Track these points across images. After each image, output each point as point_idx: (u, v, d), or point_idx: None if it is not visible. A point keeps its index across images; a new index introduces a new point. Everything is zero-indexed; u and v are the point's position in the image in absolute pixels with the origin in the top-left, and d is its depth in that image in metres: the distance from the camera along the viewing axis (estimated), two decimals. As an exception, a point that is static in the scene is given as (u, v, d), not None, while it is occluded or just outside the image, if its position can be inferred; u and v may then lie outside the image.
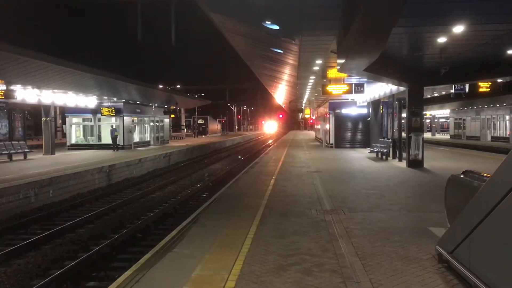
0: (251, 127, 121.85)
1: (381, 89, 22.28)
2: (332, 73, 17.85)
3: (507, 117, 37.07)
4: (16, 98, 20.77)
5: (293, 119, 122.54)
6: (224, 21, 14.53)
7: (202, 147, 36.90)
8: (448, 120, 54.67)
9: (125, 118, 30.20)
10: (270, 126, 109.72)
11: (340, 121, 29.96)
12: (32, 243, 9.50)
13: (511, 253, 3.75)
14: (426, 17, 10.15)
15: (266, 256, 6.07)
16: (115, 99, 29.33)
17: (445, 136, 53.09)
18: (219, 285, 5.02)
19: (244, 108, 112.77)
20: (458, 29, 10.63)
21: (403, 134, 19.17)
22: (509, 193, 3.81)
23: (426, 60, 15.13)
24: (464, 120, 46.34)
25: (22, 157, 21.87)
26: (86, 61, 24.71)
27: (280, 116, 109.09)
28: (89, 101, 28.24)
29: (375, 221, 8.08)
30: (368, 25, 8.62)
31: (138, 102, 33.04)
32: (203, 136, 61.17)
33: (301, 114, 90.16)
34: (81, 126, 31.49)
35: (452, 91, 23.42)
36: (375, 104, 26.89)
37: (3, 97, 20.15)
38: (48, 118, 24.72)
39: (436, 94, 35.13)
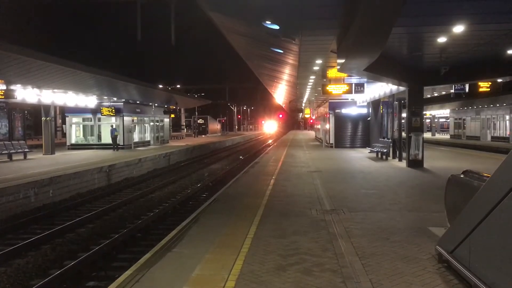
0: (251, 127, 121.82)
1: (381, 89, 22.28)
2: (332, 73, 17.85)
3: (507, 117, 37.07)
4: (16, 98, 20.78)
5: (293, 119, 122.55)
6: (224, 20, 14.52)
7: (202, 147, 36.89)
8: (448, 120, 54.67)
9: (125, 118, 30.19)
10: (270, 126, 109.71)
11: (340, 121, 29.96)
12: (32, 243, 9.50)
13: (511, 253, 3.75)
14: (426, 16, 10.15)
15: (266, 256, 6.07)
16: (115, 98, 29.33)
17: (445, 136, 53.09)
18: (219, 285, 5.03)
19: (244, 108, 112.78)
20: (458, 29, 10.62)
21: (403, 134, 19.17)
22: (509, 193, 3.81)
23: (426, 60, 15.13)
24: (464, 120, 46.33)
25: (22, 157, 21.86)
26: (85, 61, 24.64)
27: (280, 116, 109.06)
28: (89, 100, 28.24)
29: (375, 221, 8.08)
30: (368, 24, 8.63)
31: (138, 102, 33.04)
32: (203, 136, 61.17)
33: (301, 114, 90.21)
34: (81, 126, 31.48)
35: (452, 91, 23.41)
36: (375, 104, 26.89)
37: (3, 96, 20.16)
38: (48, 118, 24.72)
39: (436, 94, 35.13)
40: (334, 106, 30.23)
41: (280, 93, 47.39)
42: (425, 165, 17.02)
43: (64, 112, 32.56)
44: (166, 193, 16.38)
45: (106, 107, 28.93)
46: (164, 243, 6.95)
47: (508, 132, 36.89)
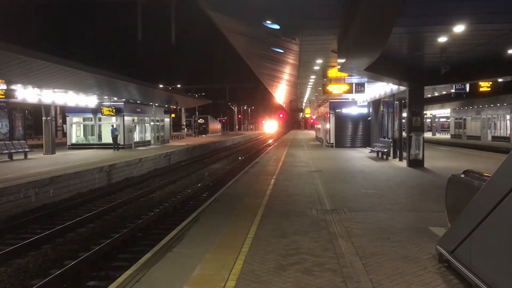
0: (251, 126, 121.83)
1: (382, 88, 22.26)
2: (333, 72, 17.83)
3: (508, 117, 37.04)
4: (17, 98, 20.79)
5: (293, 118, 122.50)
6: (224, 20, 14.52)
7: (203, 146, 36.90)
8: (449, 120, 54.65)
9: (125, 118, 30.20)
10: (270, 126, 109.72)
11: (341, 120, 29.94)
12: (33, 242, 9.50)
13: (512, 253, 3.75)
14: (426, 16, 10.14)
15: (266, 255, 6.07)
16: (115, 98, 29.33)
17: (446, 136, 53.06)
18: (219, 285, 5.02)
19: (245, 108, 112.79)
20: (459, 28, 10.61)
21: (404, 134, 19.16)
22: (510, 193, 3.80)
23: (426, 59, 15.12)
24: (464, 119, 46.31)
25: (22, 156, 21.88)
26: (86, 61, 24.69)
27: (281, 115, 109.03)
28: (90, 100, 28.25)
29: (375, 220, 8.07)
30: (368, 24, 8.63)
31: (138, 102, 33.05)
32: (204, 135, 61.18)
33: (301, 113, 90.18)
34: (82, 125, 31.50)
35: (453, 90, 23.39)
36: (375, 103, 26.88)
37: (4, 96, 20.17)
38: (48, 118, 24.74)
39: (436, 94, 35.10)
40: (335, 105, 30.21)
41: (280, 93, 47.39)
42: (426, 165, 17.01)
43: (65, 111, 32.56)
44: (166, 193, 16.39)
45: (106, 106, 28.93)
46: (164, 243, 6.95)
47: (508, 132, 36.86)
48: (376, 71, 14.94)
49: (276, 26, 11.95)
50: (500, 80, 21.45)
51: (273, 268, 5.57)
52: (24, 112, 35.14)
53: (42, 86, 21.57)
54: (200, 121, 66.70)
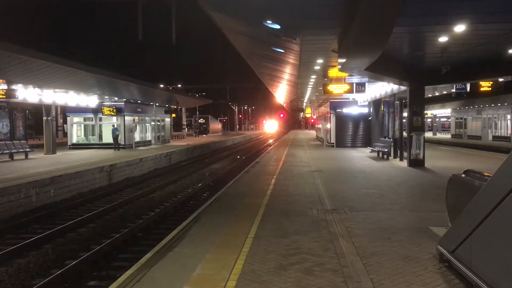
0: (252, 126, 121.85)
1: (382, 88, 22.26)
2: (333, 72, 17.83)
3: (509, 117, 37.00)
4: (17, 98, 20.81)
5: (294, 118, 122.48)
6: (225, 20, 14.52)
7: (203, 146, 36.91)
8: (449, 120, 54.60)
9: (126, 118, 30.21)
10: (271, 126, 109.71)
11: (341, 120, 29.93)
12: (33, 242, 9.50)
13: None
14: (426, 16, 10.13)
15: (267, 255, 6.07)
16: (116, 98, 29.35)
17: (446, 136, 53.02)
18: (220, 285, 5.02)
19: (245, 108, 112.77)
20: (459, 28, 10.60)
21: (404, 134, 19.16)
22: (511, 193, 3.80)
23: (427, 59, 15.11)
24: (465, 119, 46.28)
25: (23, 156, 21.89)
26: (86, 61, 24.71)
27: (281, 115, 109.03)
28: (90, 100, 28.27)
29: (376, 220, 8.07)
30: (368, 24, 8.62)
31: (139, 102, 33.06)
32: (204, 135, 61.20)
33: (302, 113, 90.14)
34: (82, 125, 31.52)
35: (453, 90, 23.36)
36: (376, 103, 26.87)
37: (5, 96, 20.19)
38: (49, 118, 24.76)
39: (437, 94, 35.08)
40: (335, 105, 30.20)
41: (281, 93, 47.39)
42: (426, 164, 17.00)
43: (65, 111, 32.61)
44: (167, 193, 16.39)
45: (107, 106, 28.94)
46: (165, 242, 6.96)
47: (509, 132, 36.83)
48: (377, 71, 14.94)
49: (277, 26, 11.95)
50: (500, 79, 21.41)
51: (274, 268, 5.57)
52: (24, 112, 35.17)
53: (43, 86, 21.59)
54: (201, 121, 66.70)
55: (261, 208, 9.35)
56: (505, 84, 22.99)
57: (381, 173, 15.35)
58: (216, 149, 40.64)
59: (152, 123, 36.15)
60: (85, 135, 31.62)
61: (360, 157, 22.30)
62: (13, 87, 20.36)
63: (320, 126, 44.93)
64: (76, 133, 31.13)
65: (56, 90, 23.24)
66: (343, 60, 13.09)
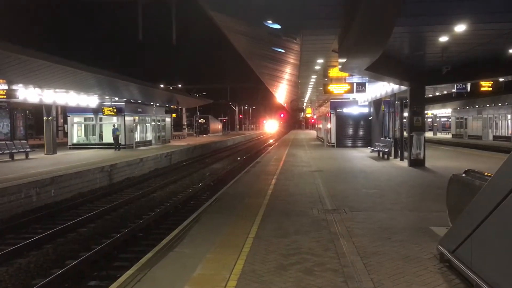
0: (252, 126, 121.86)
1: (383, 88, 22.25)
2: (334, 72, 17.82)
3: (509, 116, 36.98)
4: (18, 98, 20.81)
5: (294, 118, 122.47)
6: (225, 20, 14.52)
7: (203, 146, 36.91)
8: (450, 119, 54.56)
9: (126, 118, 30.22)
10: (271, 126, 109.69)
11: (342, 120, 29.93)
12: (34, 242, 9.51)
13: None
14: (426, 16, 10.13)
15: (267, 255, 6.07)
16: (116, 98, 29.35)
17: (447, 136, 53.00)
18: (220, 285, 5.02)
19: (246, 108, 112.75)
20: (459, 28, 10.60)
21: (405, 134, 19.15)
22: (511, 193, 3.80)
23: (427, 59, 15.10)
24: (465, 119, 46.26)
25: (23, 156, 21.90)
26: (86, 61, 24.74)
27: (282, 115, 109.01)
28: (91, 100, 28.28)
29: (376, 220, 8.07)
30: (368, 24, 8.62)
31: (139, 102, 33.06)
32: (205, 135, 61.21)
33: (302, 113, 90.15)
34: (83, 125, 31.53)
35: (454, 90, 23.34)
36: (376, 103, 26.86)
37: (5, 96, 20.19)
38: (49, 118, 24.77)
39: (437, 93, 35.06)
40: (336, 105, 30.20)
41: (281, 93, 47.39)
42: (427, 164, 17.00)
43: (66, 111, 32.61)
44: (167, 193, 16.40)
45: (107, 106, 28.95)
46: (165, 242, 6.96)
47: (510, 132, 36.81)
48: (377, 71, 14.93)
49: (277, 26, 11.95)
50: (501, 79, 21.39)
51: (274, 268, 5.57)
52: (25, 112, 35.12)
53: (43, 86, 21.59)
54: (201, 121, 66.71)
55: (261, 208, 9.35)
56: (505, 84, 22.96)
57: (382, 173, 15.35)
58: (217, 149, 40.64)
59: (153, 123, 36.15)
60: (86, 135, 31.63)
61: (361, 157, 22.30)
62: (14, 87, 20.36)
63: (320, 126, 44.92)
64: (76, 133, 31.14)
65: (57, 90, 23.25)
66: (344, 60, 13.08)
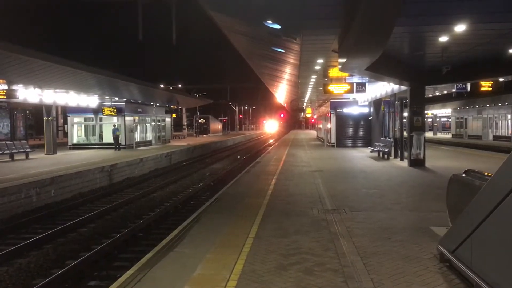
0: (252, 126, 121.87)
1: (383, 88, 22.26)
2: (334, 72, 17.82)
3: (509, 116, 36.98)
4: (18, 98, 20.82)
5: (294, 118, 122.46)
6: (225, 20, 14.52)
7: (204, 146, 36.91)
8: (450, 119, 54.57)
9: (126, 118, 30.22)
10: (271, 126, 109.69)
11: (342, 120, 29.93)
12: (34, 242, 9.51)
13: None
14: (426, 16, 10.13)
15: (267, 255, 6.07)
16: (116, 98, 29.36)
17: (447, 135, 53.01)
18: (220, 285, 5.03)
19: (246, 108, 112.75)
20: (459, 28, 10.60)
21: (405, 134, 19.15)
22: (511, 193, 3.80)
23: (427, 59, 15.10)
24: (465, 119, 46.26)
25: (23, 156, 21.90)
26: (86, 61, 24.74)
27: (282, 115, 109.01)
28: (91, 100, 28.28)
29: (376, 220, 8.07)
30: (368, 24, 8.62)
31: (139, 102, 33.07)
32: (205, 135, 61.20)
33: (302, 113, 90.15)
34: (83, 125, 31.53)
35: (454, 90, 23.35)
36: (376, 103, 26.86)
37: (5, 96, 20.20)
38: (49, 118, 24.77)
39: (437, 93, 35.07)
40: (336, 105, 30.20)
41: (281, 93, 47.39)
42: (427, 164, 17.00)
43: (66, 112, 32.61)
44: (167, 193, 16.40)
45: (107, 106, 28.96)
46: (165, 242, 6.96)
47: (510, 131, 36.81)
48: (377, 71, 14.93)
49: (277, 26, 11.95)
50: (501, 79, 21.40)
51: (274, 268, 5.57)
52: (25, 112, 35.13)
53: (43, 86, 21.60)
54: (201, 121, 66.70)
55: (261, 208, 9.35)
56: (505, 84, 22.97)
57: (382, 173, 15.35)
58: (217, 149, 40.65)
59: (153, 123, 36.16)
60: (86, 135, 31.64)
61: (361, 157, 22.30)
62: (14, 87, 20.37)
63: (320, 126, 44.92)
64: (76, 133, 31.15)
65: (57, 90, 23.25)
66: (344, 60, 13.08)
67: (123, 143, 29.27)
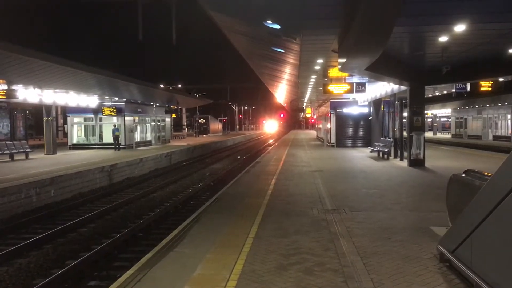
0: (252, 126, 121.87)
1: (383, 88, 22.26)
2: (333, 72, 17.83)
3: (509, 116, 36.99)
4: (18, 98, 20.81)
5: (294, 118, 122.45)
6: (225, 20, 14.52)
7: (203, 146, 36.91)
8: (450, 119, 54.58)
9: (126, 118, 30.22)
10: (271, 126, 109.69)
11: (342, 120, 29.93)
12: (34, 242, 9.51)
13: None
14: (426, 16, 10.13)
15: (267, 255, 6.07)
16: (116, 98, 29.36)
17: (447, 135, 53.02)
18: (220, 285, 5.03)
19: (245, 108, 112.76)
20: (459, 28, 10.60)
21: (405, 134, 19.15)
22: (511, 193, 3.80)
23: (427, 59, 15.11)
24: (465, 119, 46.27)
25: (23, 156, 21.90)
26: (86, 61, 24.74)
27: (281, 115, 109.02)
28: (91, 100, 28.28)
29: (376, 220, 8.07)
30: (368, 24, 8.63)
31: (139, 102, 33.06)
32: (204, 135, 61.19)
33: (302, 113, 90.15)
34: (83, 125, 31.53)
35: (454, 90, 23.36)
36: (376, 103, 26.86)
37: (5, 96, 20.19)
38: (49, 118, 24.76)
39: (437, 93, 35.08)
40: (335, 105, 30.20)
41: (281, 93, 47.38)
42: (427, 164, 17.00)
43: (66, 112, 32.62)
44: (167, 193, 16.40)
45: (107, 107, 28.95)
46: (165, 242, 6.96)
47: (509, 131, 36.81)
48: (377, 71, 14.94)
49: (277, 26, 11.95)
50: (501, 79, 21.41)
51: (274, 268, 5.57)
52: (25, 112, 35.15)
53: (43, 86, 21.59)
54: (201, 121, 66.68)
55: (261, 208, 9.35)
56: (505, 84, 23.00)
57: (382, 173, 15.35)
58: (217, 149, 40.65)
59: (153, 123, 36.15)
60: (86, 135, 31.63)
61: (361, 157, 22.30)
62: (14, 87, 20.36)
63: (320, 126, 44.92)
64: (76, 133, 31.14)
65: (57, 90, 23.25)
66: (343, 60, 13.08)
67: (123, 143, 29.26)
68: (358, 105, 30.22)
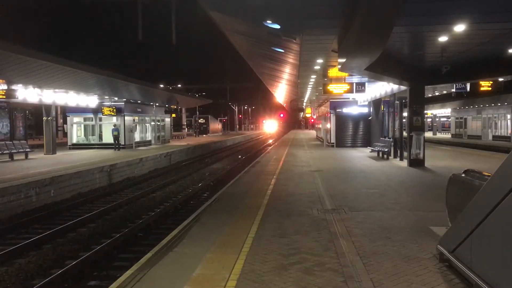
0: (252, 126, 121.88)
1: (382, 88, 22.27)
2: (333, 72, 17.83)
3: (509, 116, 37.00)
4: (17, 98, 20.80)
5: (294, 118, 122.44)
6: (225, 20, 14.51)
7: (203, 146, 36.91)
8: (449, 119, 54.60)
9: (126, 118, 30.22)
10: (271, 126, 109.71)
11: (341, 120, 29.94)
12: (34, 242, 9.51)
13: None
14: (426, 16, 10.14)
15: (267, 255, 6.07)
16: (116, 98, 29.36)
17: (446, 135, 53.03)
18: (220, 284, 5.03)
19: (245, 108, 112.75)
20: (459, 28, 10.61)
21: (404, 133, 19.16)
22: (510, 193, 3.80)
23: (427, 59, 15.11)
24: (465, 119, 46.28)
25: (23, 156, 21.89)
26: (86, 61, 24.73)
27: (281, 115, 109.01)
28: (90, 100, 28.27)
29: (376, 220, 8.07)
30: (368, 24, 8.63)
31: (139, 102, 33.06)
32: (204, 135, 61.19)
33: (302, 113, 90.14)
34: (82, 125, 31.53)
35: (453, 90, 23.36)
36: (376, 103, 26.87)
37: (4, 96, 20.18)
38: (49, 118, 24.76)
39: (437, 93, 35.08)
40: (335, 105, 30.21)
41: (281, 93, 47.38)
42: (426, 164, 17.00)
43: (65, 111, 32.61)
44: (167, 193, 16.40)
45: (107, 106, 28.94)
46: (165, 242, 6.96)
47: (509, 131, 36.83)
48: (377, 71, 14.94)
49: (277, 26, 11.95)
50: (500, 79, 21.42)
51: (274, 267, 5.57)
52: (24, 112, 35.17)
53: (43, 86, 21.59)
54: (201, 121, 66.68)
55: (261, 208, 9.36)
56: (505, 84, 22.98)
57: (381, 173, 15.35)
58: (216, 149, 40.65)
59: (152, 123, 36.15)
60: (85, 135, 31.63)
61: (360, 157, 22.31)
62: (13, 87, 20.36)
63: (320, 126, 44.93)
64: (76, 133, 31.14)
65: (56, 90, 23.24)
66: (343, 60, 13.09)
67: (122, 143, 29.27)
68: (358, 105, 30.23)
